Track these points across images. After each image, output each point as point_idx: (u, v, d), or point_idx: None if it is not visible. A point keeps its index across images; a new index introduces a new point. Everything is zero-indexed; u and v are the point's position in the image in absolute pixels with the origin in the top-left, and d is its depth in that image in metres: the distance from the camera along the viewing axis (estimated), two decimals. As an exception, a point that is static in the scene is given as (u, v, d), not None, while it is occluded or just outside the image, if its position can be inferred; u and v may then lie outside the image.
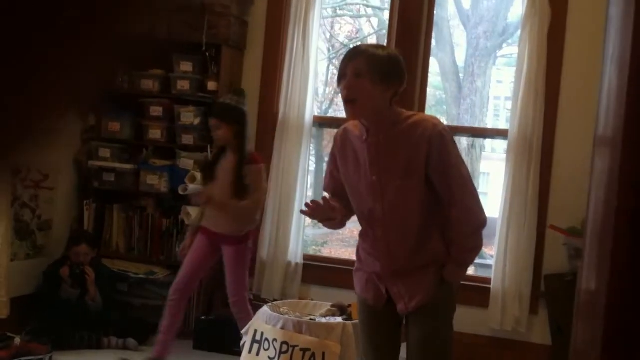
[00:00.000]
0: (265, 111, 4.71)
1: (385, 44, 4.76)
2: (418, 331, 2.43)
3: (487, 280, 4.35)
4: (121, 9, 0.39)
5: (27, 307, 4.30)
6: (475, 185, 2.53)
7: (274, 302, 3.89)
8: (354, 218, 2.61)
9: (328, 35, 7.75)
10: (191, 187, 4.40)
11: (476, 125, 7.59)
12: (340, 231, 7.82)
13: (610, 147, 1.28)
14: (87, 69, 0.40)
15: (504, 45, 7.63)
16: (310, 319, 3.55)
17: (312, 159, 7.56)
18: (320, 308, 3.82)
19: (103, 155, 4.65)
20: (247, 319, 3.70)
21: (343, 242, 7.35)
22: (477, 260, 5.21)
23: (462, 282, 2.57)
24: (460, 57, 7.79)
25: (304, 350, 3.33)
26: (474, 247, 2.47)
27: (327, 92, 8.12)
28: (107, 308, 4.36)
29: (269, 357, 3.39)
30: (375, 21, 7.88)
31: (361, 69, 2.31)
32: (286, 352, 3.34)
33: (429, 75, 4.74)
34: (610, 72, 1.43)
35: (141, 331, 4.32)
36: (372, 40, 7.65)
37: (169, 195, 4.57)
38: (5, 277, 4.11)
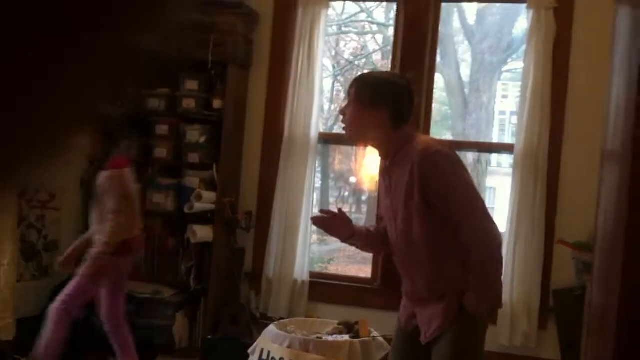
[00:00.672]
0: (271, 128, 4.72)
1: (390, 61, 4.77)
2: None
3: (496, 296, 4.31)
4: (130, 27, 0.39)
5: (34, 328, 4.28)
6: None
7: (281, 321, 3.87)
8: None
9: (333, 52, 7.78)
10: (197, 205, 4.41)
11: (482, 140, 7.58)
12: (347, 248, 7.81)
13: (618, 162, 1.27)
14: (96, 86, 0.40)
15: (509, 60, 7.64)
16: (317, 338, 3.52)
17: (319, 175, 7.58)
18: (327, 326, 3.80)
19: (109, 174, 4.64)
20: (124, 349, 3.57)
21: (350, 259, 7.32)
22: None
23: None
24: (466, 73, 7.79)
25: (312, 369, 3.30)
26: (488, 273, 2.31)
27: (332, 109, 8.12)
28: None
29: (276, 376, 3.36)
30: (380, 38, 7.90)
31: (352, 97, 2.37)
32: (294, 371, 3.31)
33: (435, 90, 4.74)
34: (618, 87, 1.43)
35: (147, 351, 4.29)
36: (377, 57, 7.67)
37: (175, 214, 4.56)
38: (12, 298, 4.09)
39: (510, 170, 4.43)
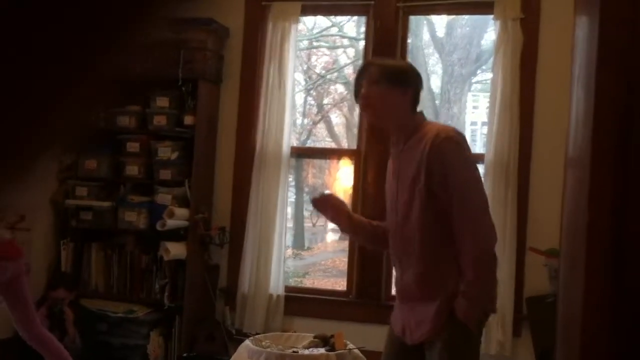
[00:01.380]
0: (243, 143, 4.71)
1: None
2: None
3: (471, 306, 4.33)
4: (98, 46, 0.39)
5: (5, 351, 4.21)
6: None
7: (256, 336, 3.84)
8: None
9: (305, 66, 7.80)
10: (170, 222, 4.38)
11: (454, 151, 7.61)
12: (322, 261, 7.79)
13: (579, 167, 1.29)
14: (65, 107, 0.39)
15: (479, 71, 7.72)
16: (293, 352, 3.51)
17: (292, 189, 7.57)
18: (302, 340, 3.78)
19: (80, 193, 4.60)
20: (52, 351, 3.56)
21: (325, 273, 7.32)
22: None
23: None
24: (436, 84, 7.86)
25: (288, 384, 3.28)
26: (478, 279, 2.21)
27: (305, 123, 8.14)
28: (87, 349, 4.28)
29: (252, 393, 3.33)
30: (351, 51, 7.94)
31: (375, 77, 2.36)
32: (270, 386, 3.29)
33: (405, 103, 4.76)
34: (577, 94, 1.45)
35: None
36: (349, 70, 7.71)
37: (148, 232, 4.53)
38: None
39: (482, 180, 4.47)
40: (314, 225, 8.35)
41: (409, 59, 4.93)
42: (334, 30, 7.86)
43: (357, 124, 4.82)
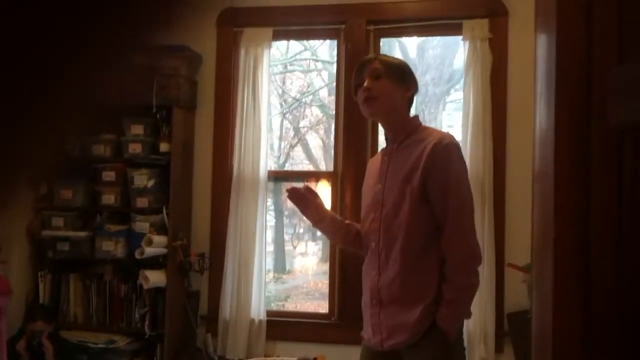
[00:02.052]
0: (220, 169, 4.72)
1: (334, 96, 4.84)
2: None
3: (452, 323, 4.34)
4: (71, 75, 0.39)
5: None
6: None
7: (238, 362, 3.82)
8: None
9: (280, 90, 7.84)
10: (148, 250, 4.36)
11: (431, 170, 7.66)
12: (303, 285, 7.77)
13: (544, 182, 1.32)
14: (39, 137, 0.40)
15: (452, 90, 7.81)
16: (276, 376, 3.49)
17: (272, 213, 7.56)
18: (285, 364, 3.77)
19: (56, 224, 4.57)
20: None
21: (307, 296, 7.30)
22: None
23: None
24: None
25: (271, 409, 3.26)
26: (464, 286, 2.26)
27: (282, 146, 8.16)
28: (67, 381, 4.22)
29: (235, 419, 3.31)
30: (325, 74, 8.01)
31: (379, 71, 2.38)
32: (253, 412, 3.27)
33: (380, 123, 4.79)
34: (540, 110, 1.48)
35: (103, 403, 4.19)
36: (324, 93, 7.76)
37: (126, 260, 4.49)
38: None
39: (458, 198, 4.50)
40: (294, 247, 8.34)
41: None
42: (307, 54, 7.93)
43: (333, 146, 4.85)
